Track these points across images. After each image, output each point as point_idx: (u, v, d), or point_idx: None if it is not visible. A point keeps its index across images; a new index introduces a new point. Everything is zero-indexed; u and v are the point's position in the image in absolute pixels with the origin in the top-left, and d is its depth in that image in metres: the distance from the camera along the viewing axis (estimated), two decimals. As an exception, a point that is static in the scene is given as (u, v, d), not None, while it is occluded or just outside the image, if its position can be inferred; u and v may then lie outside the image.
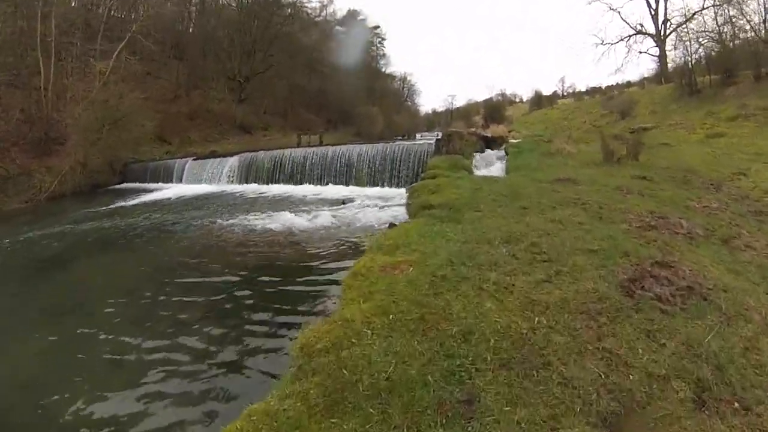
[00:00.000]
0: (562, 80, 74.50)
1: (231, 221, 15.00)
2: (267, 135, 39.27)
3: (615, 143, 15.99)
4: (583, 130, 34.24)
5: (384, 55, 54.11)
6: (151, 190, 25.84)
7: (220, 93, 42.36)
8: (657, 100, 34.64)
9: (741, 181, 13.34)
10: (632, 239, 6.76)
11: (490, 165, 17.64)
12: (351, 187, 20.22)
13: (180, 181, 26.83)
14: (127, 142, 29.96)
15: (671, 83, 37.12)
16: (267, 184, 23.10)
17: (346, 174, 20.73)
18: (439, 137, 19.11)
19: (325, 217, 14.41)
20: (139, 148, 33.11)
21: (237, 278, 9.31)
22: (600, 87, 60.11)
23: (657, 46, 44.45)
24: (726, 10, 31.73)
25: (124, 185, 29.52)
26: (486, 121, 44.15)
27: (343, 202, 17.12)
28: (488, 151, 19.31)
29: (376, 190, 19.17)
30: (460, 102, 75.09)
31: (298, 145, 28.19)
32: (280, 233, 12.91)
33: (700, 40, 32.67)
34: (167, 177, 27.76)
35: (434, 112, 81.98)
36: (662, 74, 42.73)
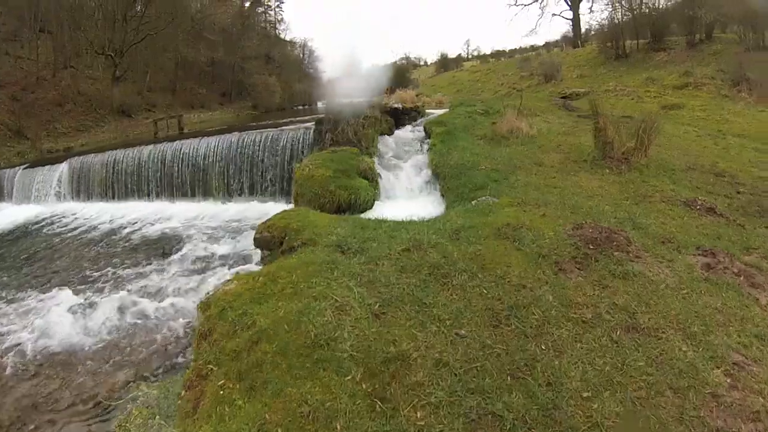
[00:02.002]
0: (467, 43, 64.97)
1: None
2: (150, 118, 28.88)
3: (612, 127, 8.04)
4: (502, 94, 27.45)
5: (282, 20, 43.78)
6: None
7: (95, 72, 31.27)
8: (582, 63, 28.22)
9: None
10: None
11: (407, 159, 9.38)
12: (197, 204, 11.59)
13: (10, 198, 16.71)
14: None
15: (586, 46, 32.44)
16: (101, 199, 14.02)
17: (194, 182, 11.91)
18: (320, 118, 10.34)
19: (109, 308, 6.73)
20: None
21: None
22: (504, 50, 52.25)
23: (570, 9, 37.13)
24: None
25: None
26: (390, 86, 35.44)
27: (163, 253, 8.55)
28: (400, 132, 10.94)
29: (229, 210, 10.71)
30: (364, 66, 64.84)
31: (155, 136, 18.70)
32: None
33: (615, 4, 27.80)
34: None
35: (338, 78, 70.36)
36: (576, 37, 36.53)
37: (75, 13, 30.30)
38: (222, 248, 8.23)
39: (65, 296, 7.29)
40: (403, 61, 51.21)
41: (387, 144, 10.12)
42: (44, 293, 7.58)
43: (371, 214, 7.24)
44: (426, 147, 9.85)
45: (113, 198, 13.53)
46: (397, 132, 11.01)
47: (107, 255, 9.24)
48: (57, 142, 25.89)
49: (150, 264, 8.25)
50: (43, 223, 13.17)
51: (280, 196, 10.22)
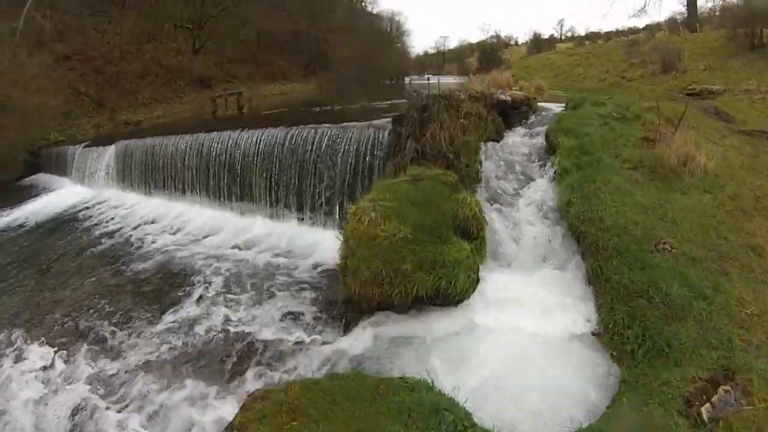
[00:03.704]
0: (561, 23, 56.92)
1: None
2: (229, 89, 26.64)
3: None
4: (608, 83, 21.87)
5: (370, -8, 39.75)
6: (32, 195, 14.23)
7: (178, 44, 29.27)
8: (705, 52, 21.75)
9: None
10: None
11: (523, 189, 5.86)
12: (230, 217, 8.56)
13: (71, 175, 14.68)
14: (27, 122, 17.86)
15: (705, 31, 25.89)
16: (139, 191, 11.43)
17: (230, 185, 8.79)
18: (400, 114, 6.59)
19: (64, 411, 4.24)
20: (69, 121, 20.88)
21: None
22: (599, 32, 45.28)
23: (685, -14, 29.47)
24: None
25: (38, 177, 16.70)
26: (481, 65, 31.15)
27: (161, 308, 5.74)
28: (511, 138, 7.17)
29: (265, 232, 7.65)
30: (452, 44, 58.58)
31: (214, 114, 15.86)
32: None
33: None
34: (62, 169, 15.33)
35: (425, 54, 62.64)
36: (691, 18, 29.16)
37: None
38: (235, 313, 5.11)
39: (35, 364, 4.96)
40: (494, 40, 46.01)
41: (494, 159, 6.39)
42: (21, 349, 5.33)
43: (467, 327, 3.85)
44: (551, 169, 6.05)
45: (150, 191, 10.93)
46: (506, 137, 7.23)
47: (109, 290, 6.57)
48: (135, 113, 24.34)
49: (141, 322, 5.44)
50: (86, 213, 11.14)
51: (336, 222, 6.90)
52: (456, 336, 3.88)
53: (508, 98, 8.34)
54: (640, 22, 42.31)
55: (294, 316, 5.01)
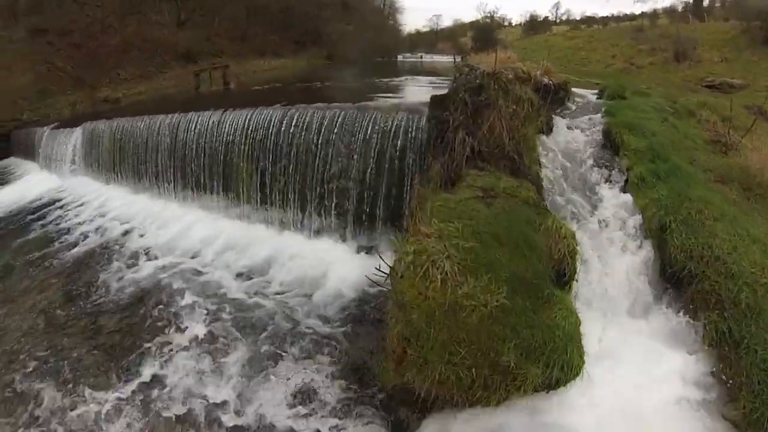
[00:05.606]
0: (557, 6, 53.82)
1: None
2: (216, 63, 24.54)
3: None
4: (616, 69, 20.56)
5: (361, -32, 37.11)
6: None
7: (162, 17, 26.90)
8: (719, 43, 20.23)
9: None
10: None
11: (593, 198, 4.37)
12: (212, 219, 6.82)
13: (39, 161, 12.85)
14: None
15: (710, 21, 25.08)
16: (108, 180, 9.61)
17: (212, 176, 7.04)
18: (443, 96, 4.88)
19: None
20: (45, 100, 18.91)
21: None
22: (595, 16, 43.21)
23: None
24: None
25: (9, 161, 14.71)
26: (476, 44, 29.66)
27: (126, 367, 4.09)
28: (560, 129, 5.49)
29: (253, 247, 5.79)
30: (445, 23, 55.97)
31: (197, 90, 13.94)
32: None
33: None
34: (31, 153, 13.44)
35: (417, 33, 59.27)
36: (698, 7, 27.83)
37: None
38: (219, 391, 3.45)
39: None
40: (487, 20, 43.74)
41: (549, 158, 4.82)
42: None
43: None
44: (621, 175, 4.57)
45: (119, 180, 9.21)
46: (558, 124, 5.65)
47: (59, 331, 4.74)
48: (116, 90, 22.15)
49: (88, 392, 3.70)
50: (50, 207, 9.29)
51: (353, 232, 5.29)
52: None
53: (550, 82, 6.80)
54: (639, 9, 40.50)
55: (310, 398, 3.30)
